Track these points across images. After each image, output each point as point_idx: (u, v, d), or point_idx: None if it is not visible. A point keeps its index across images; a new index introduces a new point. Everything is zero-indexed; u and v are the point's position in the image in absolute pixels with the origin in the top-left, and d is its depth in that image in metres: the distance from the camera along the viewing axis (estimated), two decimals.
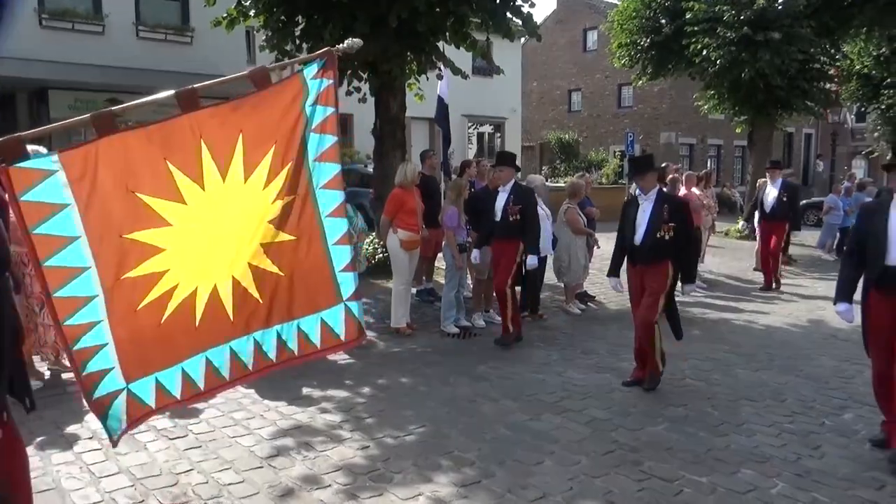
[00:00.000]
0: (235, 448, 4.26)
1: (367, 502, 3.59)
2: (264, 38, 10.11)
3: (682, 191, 10.33)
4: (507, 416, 4.84)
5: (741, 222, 17.36)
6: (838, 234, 14.15)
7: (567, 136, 30.39)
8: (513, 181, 6.83)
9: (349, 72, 9.60)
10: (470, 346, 6.85)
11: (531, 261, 6.74)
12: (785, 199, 10.16)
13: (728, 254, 13.88)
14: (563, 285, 8.65)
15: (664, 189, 6.45)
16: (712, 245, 12.13)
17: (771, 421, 4.82)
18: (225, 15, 10.05)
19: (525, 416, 4.85)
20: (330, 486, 3.76)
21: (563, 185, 15.11)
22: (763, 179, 11.39)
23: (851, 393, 5.46)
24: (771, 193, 10.37)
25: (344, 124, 22.04)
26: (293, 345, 2.74)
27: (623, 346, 6.78)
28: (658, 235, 5.39)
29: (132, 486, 3.74)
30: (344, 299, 2.75)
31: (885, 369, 4.22)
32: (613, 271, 5.86)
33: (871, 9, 15.48)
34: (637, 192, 5.91)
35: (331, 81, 2.70)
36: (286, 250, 2.70)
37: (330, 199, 2.73)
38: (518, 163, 7.48)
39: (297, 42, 9.82)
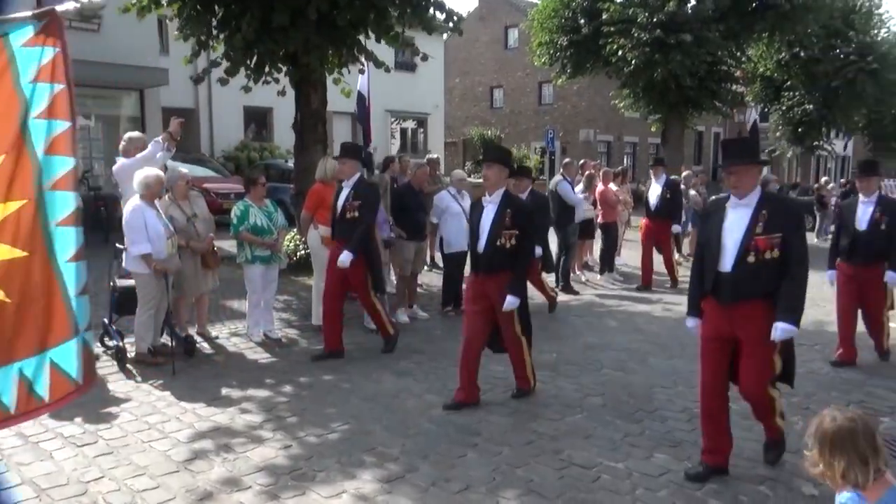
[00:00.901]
0: (150, 453, 4.10)
1: (290, 502, 3.53)
2: (178, 28, 9.75)
3: (600, 187, 10.65)
4: (431, 411, 4.86)
5: None
6: None
7: (489, 132, 30.78)
8: (357, 175, 6.15)
9: (267, 63, 9.37)
10: None
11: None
12: (668, 196, 9.82)
13: (641, 247, 14.35)
14: None
15: (537, 190, 6.37)
16: (628, 239, 12.53)
17: (682, 406, 5.04)
18: (135, 1, 9.61)
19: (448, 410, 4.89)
20: (251, 487, 3.68)
21: None
22: (680, 178, 11.81)
23: None
24: (654, 191, 10.02)
25: (263, 118, 21.57)
26: (8, 398, 2.14)
27: (543, 338, 6.93)
28: (498, 243, 4.79)
29: (37, 497, 3.55)
30: (81, 331, 2.23)
31: (711, 387, 3.94)
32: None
33: (772, 16, 16.39)
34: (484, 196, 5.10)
35: (56, 50, 2.16)
36: (15, 270, 2.14)
37: (61, 204, 2.19)
38: (441, 159, 7.53)
39: (214, 32, 9.51)
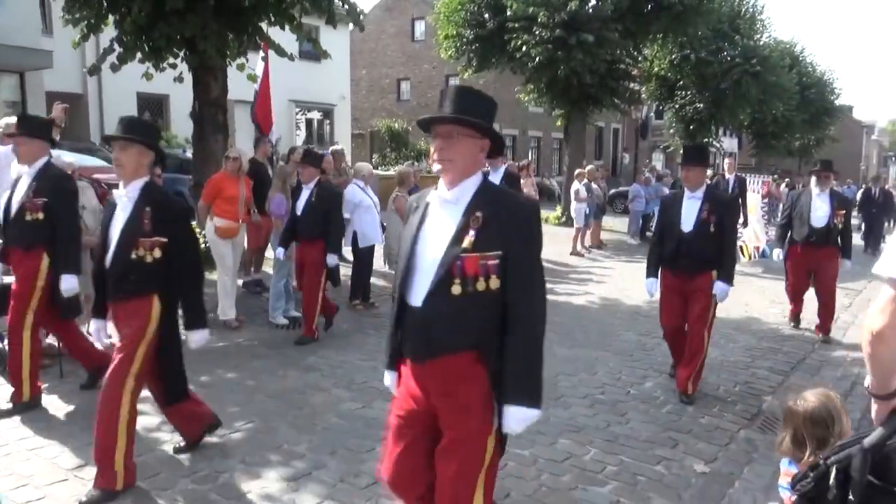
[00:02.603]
0: (34, 461, 3.83)
1: None
2: (63, 8, 9.11)
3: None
4: (339, 406, 4.80)
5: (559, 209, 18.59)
6: (641, 221, 15.61)
7: (396, 124, 30.68)
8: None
9: (163, 49, 8.93)
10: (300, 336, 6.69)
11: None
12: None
13: (547, 239, 14.59)
14: (393, 273, 8.72)
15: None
16: None
17: (584, 393, 5.22)
18: None
19: (357, 404, 4.85)
20: (148, 492, 3.50)
21: (392, 173, 15.23)
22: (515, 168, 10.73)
23: (652, 364, 6.05)
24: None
25: (159, 105, 20.58)
26: None
27: None
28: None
29: None
30: None
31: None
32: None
33: (666, 17, 17.14)
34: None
35: None
36: None
37: None
38: (347, 151, 7.44)
39: (104, 14, 8.95)
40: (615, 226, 17.08)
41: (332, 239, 6.46)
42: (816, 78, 33.64)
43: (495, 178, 8.41)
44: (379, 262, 8.59)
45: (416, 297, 2.36)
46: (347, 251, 8.34)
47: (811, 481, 1.74)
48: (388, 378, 2.62)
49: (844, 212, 7.06)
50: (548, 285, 8.15)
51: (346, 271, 9.05)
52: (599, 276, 10.72)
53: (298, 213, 6.42)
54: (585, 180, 13.42)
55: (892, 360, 1.59)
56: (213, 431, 4.05)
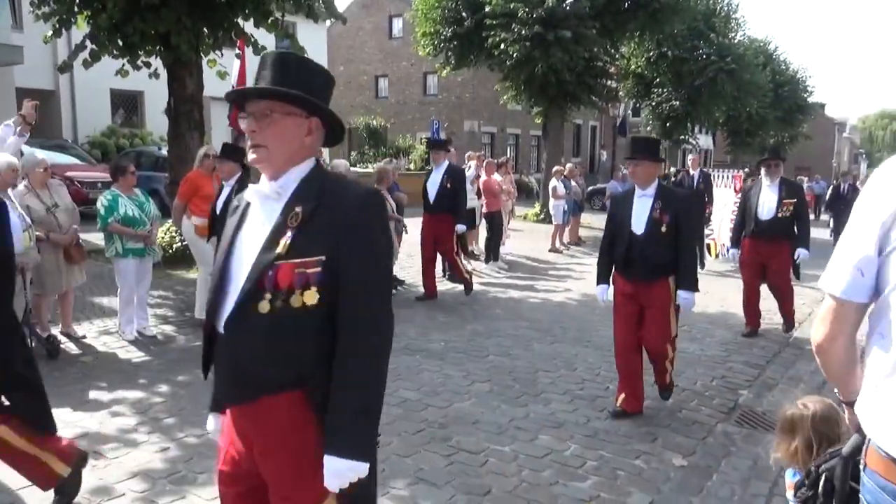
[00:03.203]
0: (5, 466, 3.75)
1: None
2: (32, 2, 8.94)
3: (483, 177, 10.85)
4: None
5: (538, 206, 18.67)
6: None
7: (375, 121, 30.56)
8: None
9: (138, 46, 8.80)
10: None
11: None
12: (449, 185, 8.11)
13: (526, 236, 14.83)
14: None
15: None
16: (512, 228, 12.88)
17: (564, 389, 5.24)
18: None
19: None
20: (124, 494, 3.46)
21: (371, 170, 15.17)
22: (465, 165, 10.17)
23: None
24: (434, 180, 8.25)
25: (133, 102, 20.29)
26: None
27: (430, 327, 6.99)
28: None
29: None
30: None
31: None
32: None
33: (643, 15, 17.28)
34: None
35: None
36: None
37: None
38: (326, 149, 7.37)
39: (75, 9, 8.80)
40: (593, 222, 17.18)
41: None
42: (789, 76, 34.14)
43: (437, 175, 8.23)
44: None
45: (222, 321, 1.86)
46: None
47: (808, 488, 1.75)
48: (211, 423, 2.09)
49: (795, 201, 6.70)
50: (528, 282, 8.15)
51: None
52: (578, 273, 10.77)
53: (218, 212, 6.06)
54: (564, 177, 13.48)
55: (837, 369, 1.60)
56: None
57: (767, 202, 6.72)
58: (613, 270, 4.73)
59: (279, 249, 1.78)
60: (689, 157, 12.90)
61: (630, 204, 4.62)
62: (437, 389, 5.15)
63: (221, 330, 1.86)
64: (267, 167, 1.88)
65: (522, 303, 8.43)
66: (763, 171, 6.94)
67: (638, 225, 4.52)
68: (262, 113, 1.84)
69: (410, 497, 3.51)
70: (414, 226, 8.63)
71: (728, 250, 8.31)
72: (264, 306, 1.76)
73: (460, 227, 8.38)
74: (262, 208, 1.90)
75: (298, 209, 1.81)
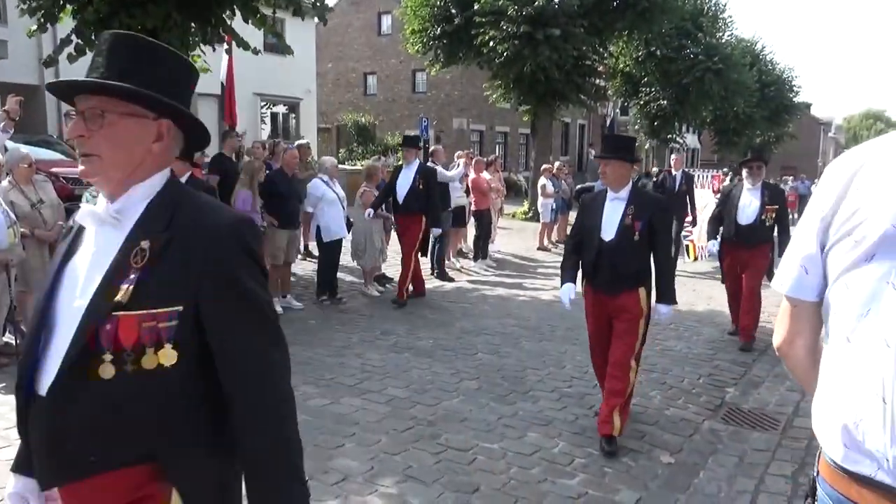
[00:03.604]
0: None
1: None
2: None
3: (472, 175, 10.86)
4: (307, 402, 4.76)
5: (526, 205, 18.70)
6: None
7: (363, 119, 30.50)
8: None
9: None
10: None
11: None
12: (420, 186, 7.76)
13: (515, 234, 14.86)
14: (360, 268, 8.69)
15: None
16: (501, 227, 12.90)
17: (553, 387, 5.26)
18: None
19: (325, 400, 4.81)
20: None
21: (360, 167, 15.15)
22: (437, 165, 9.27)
23: None
24: (404, 179, 7.86)
25: None
26: None
27: (419, 325, 6.99)
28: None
29: None
30: None
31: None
32: None
33: (631, 14, 17.35)
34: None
35: None
36: None
37: None
38: (314, 145, 7.38)
39: (61, 2, 8.70)
40: None
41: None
42: (776, 76, 34.39)
43: (408, 175, 7.75)
44: (347, 258, 8.54)
45: (44, 382, 1.40)
46: (314, 246, 8.25)
47: (805, 497, 1.73)
48: (13, 483, 1.55)
49: (777, 207, 6.32)
50: (516, 280, 8.16)
51: (313, 267, 9.00)
52: None
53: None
54: (552, 176, 13.52)
55: (800, 372, 1.54)
56: None
57: (748, 207, 6.29)
58: (584, 279, 4.34)
59: (119, 297, 1.35)
60: (672, 156, 12.36)
61: (600, 207, 4.21)
62: (425, 387, 5.16)
63: (40, 391, 1.40)
64: (102, 183, 1.45)
65: (511, 301, 8.45)
66: (745, 172, 6.46)
67: (608, 231, 4.13)
68: (93, 113, 1.41)
69: (399, 495, 3.51)
70: None
71: (707, 251, 7.74)
72: (107, 370, 1.34)
73: (436, 231, 8.18)
74: (97, 237, 1.45)
75: (145, 244, 1.38)
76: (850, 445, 1.29)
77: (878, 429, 1.24)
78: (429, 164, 9.57)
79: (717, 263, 7.62)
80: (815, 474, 1.45)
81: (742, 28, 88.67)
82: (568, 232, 14.67)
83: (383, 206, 8.27)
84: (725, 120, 30.93)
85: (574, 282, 4.36)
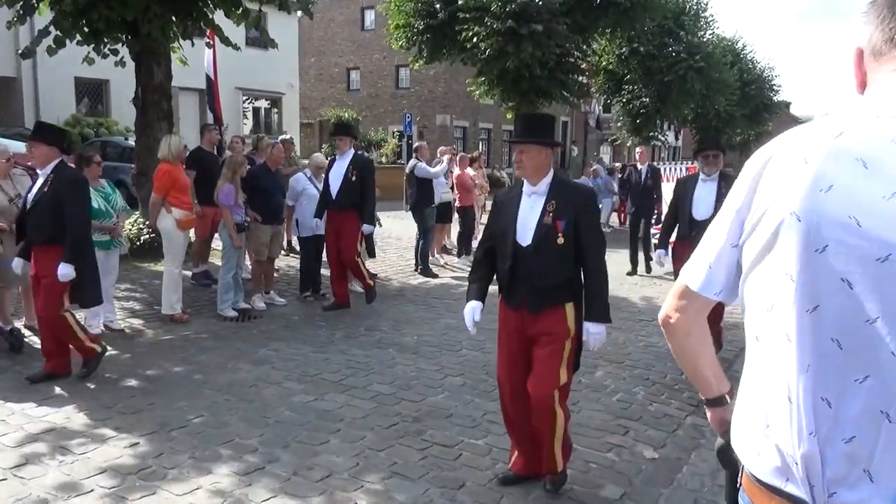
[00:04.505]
0: None
1: (138, 503, 3.29)
2: None
3: (457, 171, 10.85)
4: (291, 398, 4.73)
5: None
6: None
7: (346, 114, 30.35)
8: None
9: (104, 32, 8.59)
10: (250, 329, 6.57)
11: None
12: (354, 178, 7.02)
13: None
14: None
15: None
16: (484, 223, 12.88)
17: None
18: None
19: (309, 396, 4.79)
20: (92, 490, 3.39)
21: None
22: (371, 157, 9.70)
23: (602, 353, 6.13)
24: (337, 171, 7.12)
25: (99, 91, 19.85)
26: None
27: (402, 321, 6.98)
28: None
29: None
30: None
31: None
32: None
33: (614, 12, 17.44)
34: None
35: None
36: None
37: None
38: (296, 141, 7.28)
39: None
40: None
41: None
42: (756, 74, 34.76)
43: (341, 164, 7.10)
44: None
45: None
46: (297, 241, 8.18)
47: None
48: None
49: None
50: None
51: (297, 263, 8.94)
52: None
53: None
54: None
55: (688, 353, 1.52)
56: None
57: (703, 199, 5.61)
58: (499, 297, 3.54)
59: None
60: (637, 149, 11.69)
61: (515, 205, 3.39)
62: (410, 383, 5.14)
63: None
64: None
65: (495, 297, 8.42)
66: (699, 162, 5.82)
67: (524, 234, 3.32)
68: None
69: (385, 491, 3.50)
70: (386, 220, 8.59)
71: (657, 260, 6.65)
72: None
73: (367, 228, 7.26)
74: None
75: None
76: (763, 453, 1.26)
77: (785, 430, 1.20)
78: (415, 160, 9.55)
79: (664, 268, 7.31)
80: (738, 486, 1.39)
81: (724, 27, 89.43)
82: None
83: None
84: (707, 118, 31.18)
85: (482, 299, 3.56)
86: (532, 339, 3.39)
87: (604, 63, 25.42)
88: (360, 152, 8.13)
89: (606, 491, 3.61)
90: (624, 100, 26.44)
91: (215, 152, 8.60)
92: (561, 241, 3.27)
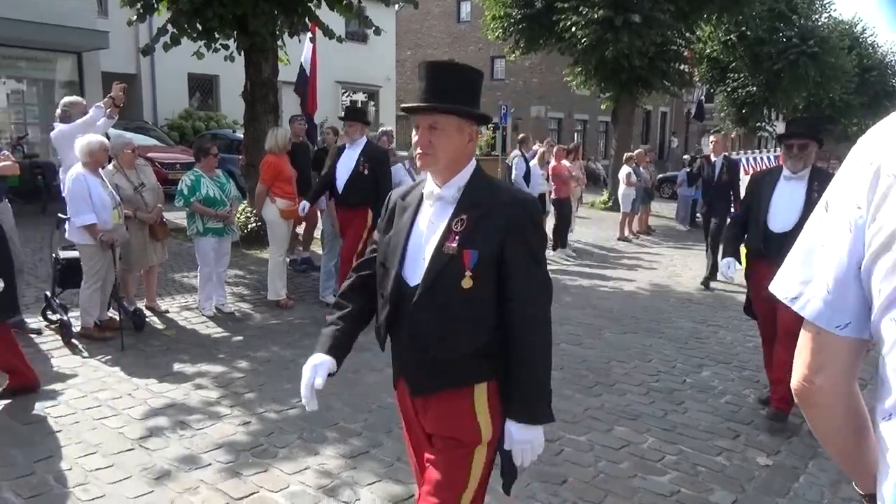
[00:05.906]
0: (101, 431, 3.94)
1: (252, 479, 3.44)
2: None
3: (553, 163, 10.70)
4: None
5: (606, 194, 18.32)
6: (690, 206, 15.25)
7: None
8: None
9: (217, 29, 9.00)
10: None
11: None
12: (365, 171, 6.24)
13: (594, 224, 14.59)
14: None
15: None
16: (581, 216, 12.67)
17: (639, 380, 5.13)
18: None
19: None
20: (210, 464, 3.57)
21: None
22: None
23: (708, 352, 5.92)
24: (346, 161, 6.33)
25: (209, 85, 20.86)
26: None
27: None
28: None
29: None
30: None
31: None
32: None
33: None
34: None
35: None
36: None
37: None
38: (393, 132, 7.23)
39: None
40: (662, 211, 16.76)
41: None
42: (877, 60, 32.37)
43: (351, 154, 6.30)
44: None
45: None
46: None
47: None
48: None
49: None
50: (597, 270, 8.05)
51: None
52: (648, 262, 10.53)
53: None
54: (634, 164, 13.17)
55: (824, 429, 1.14)
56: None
57: (784, 204, 4.24)
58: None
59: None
60: (710, 138, 9.71)
61: (412, 215, 2.10)
62: None
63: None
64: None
65: (592, 291, 8.30)
66: (783, 153, 4.38)
67: (413, 266, 2.04)
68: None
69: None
70: None
71: (723, 272, 4.70)
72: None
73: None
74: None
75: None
76: None
77: None
78: (517, 153, 9.48)
79: (732, 281, 5.65)
80: None
81: (841, 9, 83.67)
82: (649, 222, 14.30)
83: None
84: (819, 107, 29.31)
85: (338, 353, 2.31)
86: (429, 433, 2.12)
87: (708, 50, 24.33)
88: (379, 143, 7.43)
89: (716, 496, 3.47)
90: (728, 88, 25.23)
91: (307, 142, 8.85)
92: (467, 283, 1.93)
